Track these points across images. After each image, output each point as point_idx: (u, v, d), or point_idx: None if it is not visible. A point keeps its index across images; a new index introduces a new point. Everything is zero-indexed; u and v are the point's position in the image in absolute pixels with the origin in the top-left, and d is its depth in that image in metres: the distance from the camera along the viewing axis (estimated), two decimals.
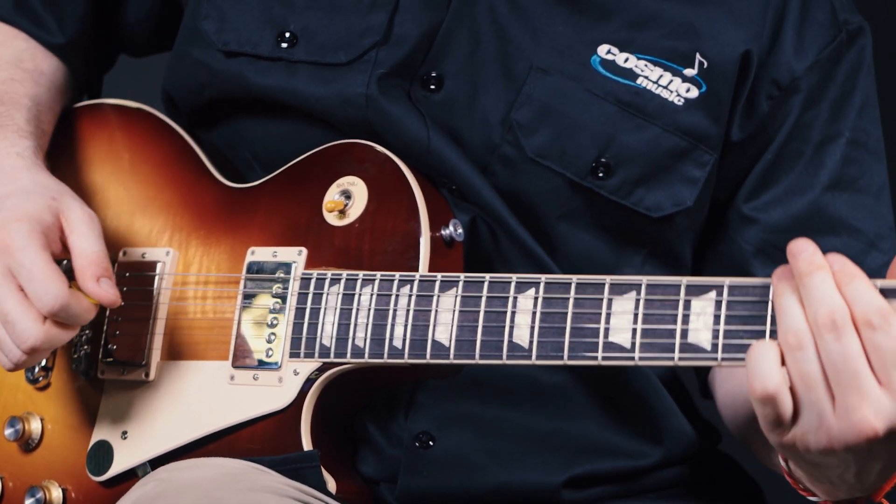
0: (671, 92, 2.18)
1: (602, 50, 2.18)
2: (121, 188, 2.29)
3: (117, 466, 2.17)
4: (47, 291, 2.06)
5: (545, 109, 2.17)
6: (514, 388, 2.21)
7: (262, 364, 2.12)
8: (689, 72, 2.18)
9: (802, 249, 1.81)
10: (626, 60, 2.18)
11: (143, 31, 2.47)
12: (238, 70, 2.23)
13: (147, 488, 2.04)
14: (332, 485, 2.09)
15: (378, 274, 2.09)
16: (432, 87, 2.19)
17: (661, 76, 2.18)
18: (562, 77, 2.17)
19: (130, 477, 2.16)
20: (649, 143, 2.17)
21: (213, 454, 2.13)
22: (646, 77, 2.18)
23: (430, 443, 2.18)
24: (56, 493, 2.21)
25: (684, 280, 1.95)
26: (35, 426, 2.24)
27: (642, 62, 2.18)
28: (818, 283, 1.79)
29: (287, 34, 2.22)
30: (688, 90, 2.18)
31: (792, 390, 1.82)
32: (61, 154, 2.34)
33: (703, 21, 2.19)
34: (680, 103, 2.18)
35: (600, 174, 2.17)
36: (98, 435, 2.19)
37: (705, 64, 2.18)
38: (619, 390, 2.23)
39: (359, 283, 2.09)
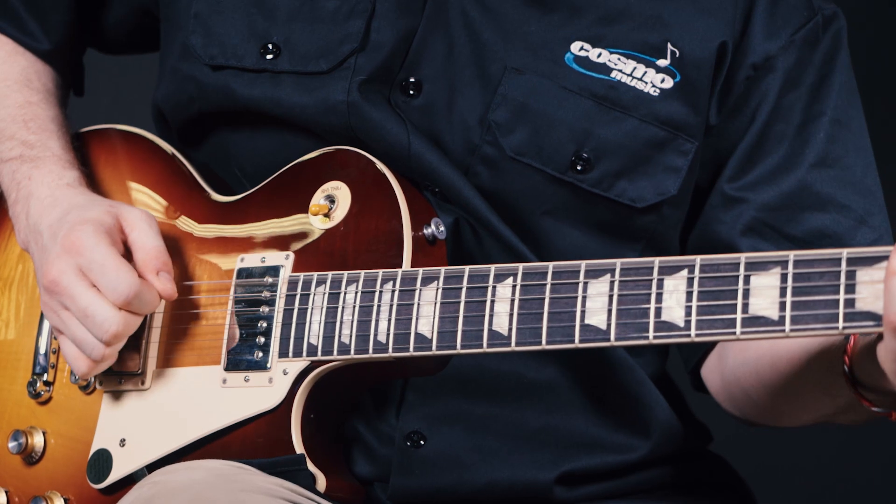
0: (646, 83, 2.22)
1: (575, 47, 2.23)
2: None
3: (116, 473, 2.22)
4: (121, 281, 2.15)
5: (521, 108, 2.21)
6: (502, 385, 2.24)
7: (252, 366, 2.17)
8: (661, 62, 2.22)
9: None
10: (600, 56, 2.22)
11: (117, 35, 2.55)
12: (224, 82, 2.30)
13: (142, 491, 2.09)
14: (321, 482, 2.13)
15: (362, 273, 2.13)
16: (411, 92, 2.25)
17: (634, 68, 2.22)
18: (536, 75, 2.22)
19: (129, 483, 2.20)
20: (627, 135, 2.21)
21: (208, 457, 2.17)
22: (620, 70, 2.22)
23: (421, 442, 2.22)
24: (58, 503, 2.25)
25: (657, 260, 1.98)
26: (38, 440, 2.29)
27: (615, 56, 2.22)
28: None
29: (270, 46, 2.28)
30: (662, 80, 2.22)
31: None
32: None
33: (672, 12, 2.23)
34: (655, 94, 2.22)
35: (579, 168, 2.21)
36: (98, 444, 2.24)
37: (677, 53, 2.22)
38: (606, 384, 2.25)
39: (343, 282, 2.14)
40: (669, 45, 2.22)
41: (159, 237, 2.21)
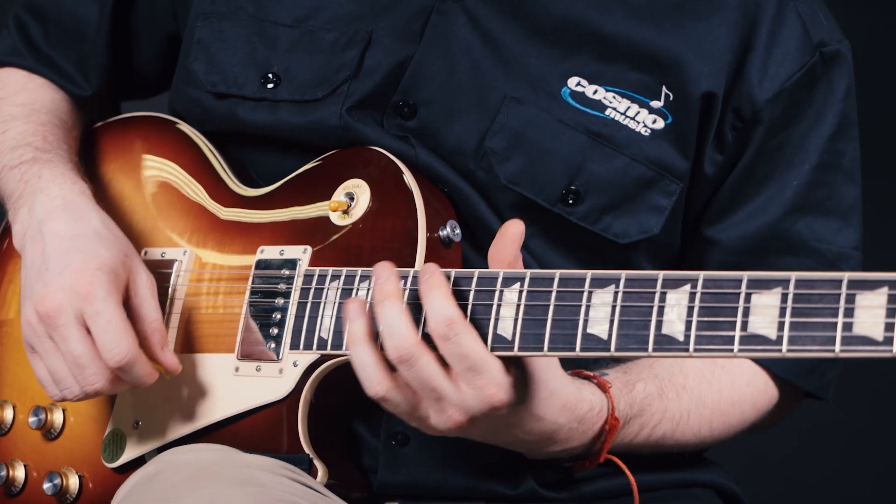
0: (638, 123, 2.25)
1: (572, 82, 2.26)
2: (147, 195, 2.41)
3: (129, 454, 2.27)
4: (120, 345, 2.14)
5: (518, 137, 2.25)
6: None
7: (264, 356, 2.21)
8: (655, 104, 2.25)
9: (382, 275, 2.00)
10: (595, 92, 2.25)
11: (152, 72, 2.59)
12: (228, 109, 2.35)
13: (149, 469, 2.15)
14: (322, 475, 2.17)
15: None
16: (406, 114, 2.28)
17: (628, 108, 2.25)
18: (534, 107, 2.25)
19: (141, 464, 2.26)
20: (617, 172, 2.25)
21: (217, 442, 2.22)
22: (614, 108, 2.25)
23: (406, 442, 2.25)
24: (73, 479, 2.31)
25: (661, 274, 2.00)
26: (57, 416, 2.35)
27: (610, 94, 2.25)
28: (388, 313, 2.00)
29: (271, 75, 2.33)
30: (654, 121, 2.25)
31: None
32: (96, 163, 2.47)
33: (669, 56, 2.26)
34: (647, 134, 2.25)
35: (570, 201, 2.24)
36: (113, 424, 2.30)
37: (671, 96, 2.25)
38: None
39: (357, 279, 2.18)
40: (664, 88, 2.25)
41: (160, 309, 2.22)
